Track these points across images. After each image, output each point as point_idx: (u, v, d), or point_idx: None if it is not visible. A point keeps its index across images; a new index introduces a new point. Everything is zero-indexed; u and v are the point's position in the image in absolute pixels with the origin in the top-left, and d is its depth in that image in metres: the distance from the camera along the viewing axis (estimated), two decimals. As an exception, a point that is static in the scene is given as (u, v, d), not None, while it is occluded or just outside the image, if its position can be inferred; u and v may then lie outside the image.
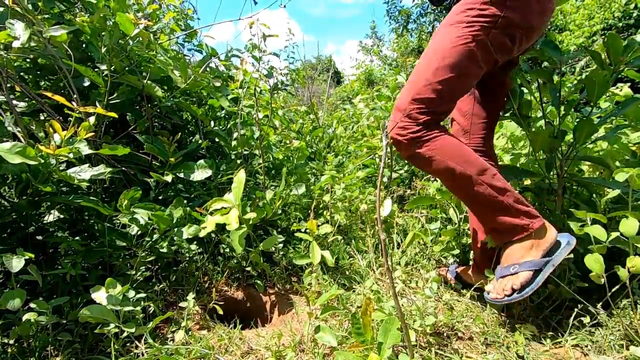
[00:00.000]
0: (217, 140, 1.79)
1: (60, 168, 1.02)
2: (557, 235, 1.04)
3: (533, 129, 1.41)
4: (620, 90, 1.81)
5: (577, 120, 1.26)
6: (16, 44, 1.08)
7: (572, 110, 1.42)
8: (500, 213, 1.04)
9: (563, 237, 1.04)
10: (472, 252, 1.36)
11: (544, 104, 1.34)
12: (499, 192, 1.04)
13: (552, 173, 1.34)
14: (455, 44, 1.01)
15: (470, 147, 1.15)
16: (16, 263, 0.87)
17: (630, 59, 1.11)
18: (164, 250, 1.23)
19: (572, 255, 1.06)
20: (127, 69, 1.39)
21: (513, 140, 1.88)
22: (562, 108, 1.28)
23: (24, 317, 0.88)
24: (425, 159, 1.05)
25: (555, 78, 1.27)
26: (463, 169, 1.04)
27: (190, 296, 1.12)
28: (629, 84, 1.94)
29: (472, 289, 1.24)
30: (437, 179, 1.10)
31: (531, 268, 1.00)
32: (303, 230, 1.33)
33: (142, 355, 0.94)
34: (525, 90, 1.35)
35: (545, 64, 1.27)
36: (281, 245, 1.51)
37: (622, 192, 1.11)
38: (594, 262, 0.97)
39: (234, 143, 1.71)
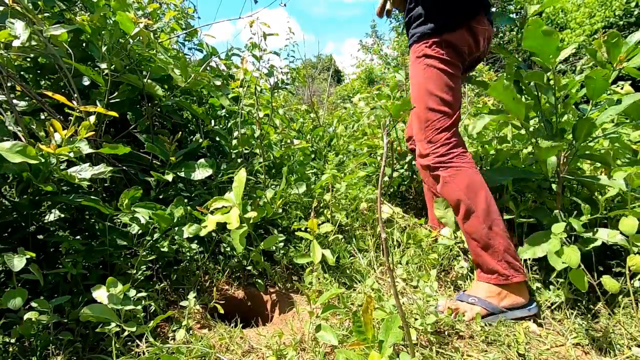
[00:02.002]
0: (217, 139, 1.79)
1: (61, 167, 1.02)
2: (527, 300, 1.14)
3: (537, 126, 1.40)
4: (622, 88, 1.80)
5: (577, 119, 1.25)
6: (16, 43, 1.08)
7: (574, 107, 1.41)
8: (488, 254, 1.15)
9: (532, 303, 1.14)
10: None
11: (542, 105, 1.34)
12: (494, 236, 1.15)
13: (552, 172, 1.34)
14: (426, 75, 1.27)
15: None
16: (17, 262, 0.87)
17: (631, 55, 1.11)
18: (165, 249, 1.24)
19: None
20: (127, 68, 1.39)
21: (518, 139, 1.87)
22: (560, 107, 1.28)
23: (25, 316, 0.88)
24: (443, 182, 1.24)
25: (560, 79, 1.26)
26: (470, 204, 1.19)
27: (191, 295, 1.12)
28: (629, 81, 1.94)
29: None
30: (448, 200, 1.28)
31: (487, 308, 1.12)
32: (304, 229, 1.33)
33: (143, 354, 0.94)
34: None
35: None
36: (282, 244, 1.51)
37: (622, 191, 1.11)
38: (577, 277, 0.98)
39: (234, 142, 1.71)
